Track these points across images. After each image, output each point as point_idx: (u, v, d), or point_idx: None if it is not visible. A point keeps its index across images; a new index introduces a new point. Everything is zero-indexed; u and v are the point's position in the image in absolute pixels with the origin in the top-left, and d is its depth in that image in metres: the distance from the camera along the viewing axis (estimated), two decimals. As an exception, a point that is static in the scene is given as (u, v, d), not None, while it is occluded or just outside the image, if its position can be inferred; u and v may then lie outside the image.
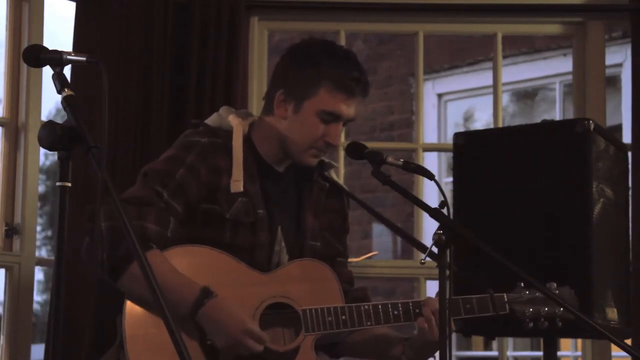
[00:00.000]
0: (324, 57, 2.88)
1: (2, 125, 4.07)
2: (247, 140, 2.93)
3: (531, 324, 2.86)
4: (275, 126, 2.91)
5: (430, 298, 2.86)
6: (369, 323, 2.82)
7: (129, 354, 2.68)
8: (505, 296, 2.89)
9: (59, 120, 2.18)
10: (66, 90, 2.14)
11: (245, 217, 2.85)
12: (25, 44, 4.03)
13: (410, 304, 2.86)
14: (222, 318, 2.68)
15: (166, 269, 2.70)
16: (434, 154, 8.54)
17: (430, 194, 3.97)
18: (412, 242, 2.97)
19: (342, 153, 4.36)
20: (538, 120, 3.58)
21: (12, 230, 4.01)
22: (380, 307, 2.83)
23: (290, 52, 2.99)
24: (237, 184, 2.84)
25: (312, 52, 2.91)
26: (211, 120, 2.98)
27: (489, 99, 4.68)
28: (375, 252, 7.99)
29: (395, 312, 2.83)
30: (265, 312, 2.79)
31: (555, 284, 2.89)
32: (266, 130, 2.93)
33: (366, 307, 2.83)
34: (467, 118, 9.56)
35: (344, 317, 2.81)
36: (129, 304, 2.73)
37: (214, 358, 2.72)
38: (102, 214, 2.71)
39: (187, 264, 2.76)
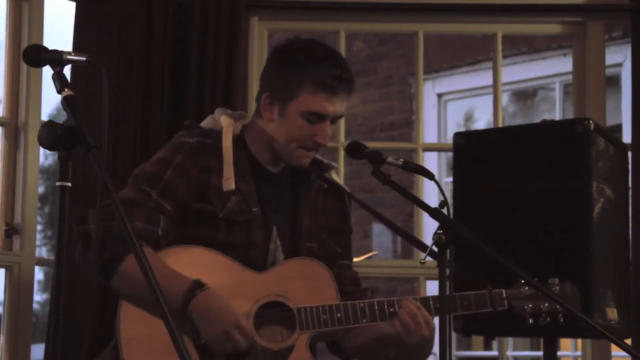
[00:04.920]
0: (304, 57, 2.87)
1: (2, 125, 4.07)
2: (240, 141, 2.94)
3: (532, 320, 2.85)
4: (264, 128, 2.92)
5: (405, 299, 2.83)
6: (364, 321, 2.82)
7: (123, 354, 2.69)
8: (503, 292, 2.87)
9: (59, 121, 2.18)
10: (66, 90, 2.14)
11: (240, 215, 2.85)
12: (25, 44, 4.03)
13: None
14: (212, 311, 2.70)
15: (155, 265, 2.70)
16: (434, 154, 8.54)
17: (430, 194, 3.97)
18: (413, 242, 2.97)
19: (342, 153, 4.37)
20: (538, 120, 3.58)
21: (12, 230, 4.01)
22: (376, 304, 2.83)
23: (272, 54, 3.00)
24: (228, 182, 2.85)
25: (292, 54, 2.91)
26: (205, 122, 3.00)
27: (489, 99, 4.69)
28: (375, 252, 7.98)
29: (392, 310, 2.82)
30: (261, 311, 2.79)
31: (557, 280, 2.89)
32: (257, 132, 2.94)
33: (362, 304, 2.82)
34: (468, 118, 9.56)
35: (339, 315, 2.80)
36: (124, 304, 2.74)
37: (207, 356, 2.72)
38: (90, 217, 2.73)
39: (181, 264, 2.76)
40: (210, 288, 2.71)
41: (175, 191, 2.83)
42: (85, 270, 2.84)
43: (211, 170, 2.86)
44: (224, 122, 2.93)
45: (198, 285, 2.70)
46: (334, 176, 3.06)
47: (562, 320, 2.84)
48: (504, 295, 2.87)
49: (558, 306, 2.80)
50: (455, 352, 8.74)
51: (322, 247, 2.99)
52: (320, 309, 2.80)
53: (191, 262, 2.78)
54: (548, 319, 2.84)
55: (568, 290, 2.89)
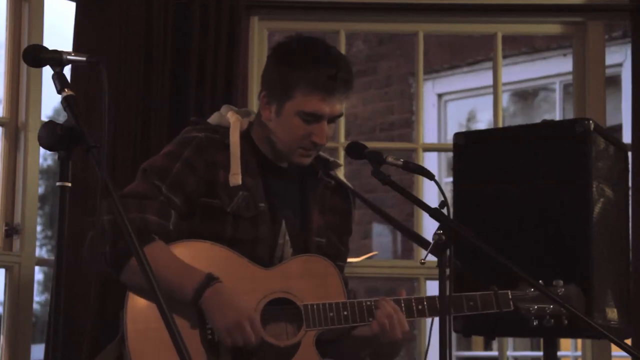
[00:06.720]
0: (300, 57, 2.86)
1: (2, 125, 4.07)
2: (247, 136, 2.94)
3: (536, 322, 2.85)
4: (266, 126, 2.92)
5: (383, 300, 2.84)
6: (370, 319, 2.82)
7: (130, 348, 2.70)
8: (509, 293, 2.88)
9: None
10: (66, 90, 2.14)
11: (246, 211, 2.86)
12: (25, 44, 4.03)
13: (413, 301, 2.86)
14: (225, 303, 2.70)
15: (168, 258, 2.74)
16: (434, 154, 8.54)
17: (430, 194, 3.97)
18: (416, 240, 2.96)
19: (342, 153, 4.37)
20: (538, 120, 3.58)
21: (12, 230, 4.01)
22: None
23: (271, 53, 3.00)
24: (235, 177, 2.85)
25: (289, 53, 2.90)
26: (211, 118, 3.01)
27: (490, 99, 4.69)
28: (375, 252, 7.98)
29: None
30: (267, 307, 2.79)
31: (561, 282, 2.89)
32: (261, 129, 2.95)
33: (368, 302, 2.83)
34: (470, 118, 9.56)
35: (345, 313, 2.81)
36: (131, 299, 2.74)
37: (214, 352, 2.73)
38: (105, 208, 2.74)
39: (188, 259, 2.77)
40: (222, 282, 2.72)
41: (184, 185, 2.84)
42: (93, 262, 2.83)
43: (219, 165, 2.87)
44: (231, 118, 2.94)
45: (211, 278, 2.71)
46: (340, 175, 3.07)
47: (566, 322, 2.84)
48: (510, 297, 2.87)
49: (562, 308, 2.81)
50: (455, 352, 8.74)
51: (329, 243, 3.01)
52: (327, 306, 2.80)
53: (198, 257, 2.79)
54: (552, 320, 2.85)
55: (572, 292, 2.89)
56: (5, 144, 4.06)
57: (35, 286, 4.49)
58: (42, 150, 3.66)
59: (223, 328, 2.70)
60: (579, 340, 5.98)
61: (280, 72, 2.88)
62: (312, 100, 2.84)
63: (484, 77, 8.26)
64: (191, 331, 2.71)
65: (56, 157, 2.16)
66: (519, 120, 9.22)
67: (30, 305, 4.06)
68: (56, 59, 2.18)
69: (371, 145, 3.04)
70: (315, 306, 2.80)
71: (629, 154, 3.87)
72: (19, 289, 4.00)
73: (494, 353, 8.69)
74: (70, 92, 2.14)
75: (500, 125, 4.39)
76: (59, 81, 2.16)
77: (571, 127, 3.30)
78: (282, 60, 2.89)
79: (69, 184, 2.15)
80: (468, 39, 7.99)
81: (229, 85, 4.14)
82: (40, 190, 7.59)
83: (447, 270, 2.53)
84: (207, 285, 2.70)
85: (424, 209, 2.70)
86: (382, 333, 2.80)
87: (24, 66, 4.04)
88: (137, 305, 2.73)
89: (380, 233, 8.84)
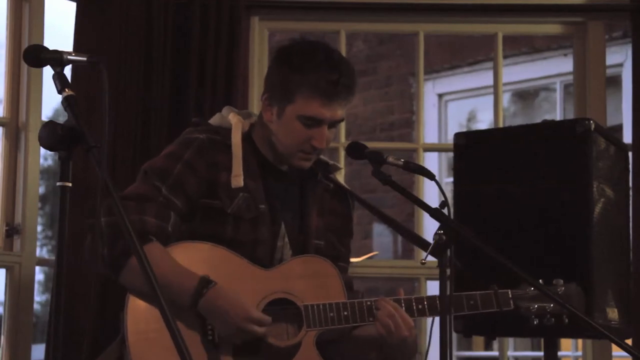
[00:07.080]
0: (302, 61, 2.85)
1: (2, 125, 4.07)
2: (248, 138, 2.94)
3: (537, 321, 2.85)
4: (267, 127, 2.92)
5: (382, 300, 2.83)
6: (370, 319, 2.82)
7: (131, 348, 2.70)
8: (509, 292, 2.88)
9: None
10: (67, 90, 2.14)
11: (247, 212, 2.86)
12: (25, 44, 4.03)
13: (413, 300, 2.86)
14: (223, 306, 2.70)
15: (165, 262, 2.73)
16: (434, 154, 8.54)
17: (430, 194, 3.97)
18: (416, 242, 2.96)
19: (342, 153, 4.37)
20: (539, 120, 3.58)
21: (12, 230, 4.01)
22: None
23: (274, 55, 2.98)
24: (237, 179, 2.85)
25: (291, 56, 2.89)
26: (213, 119, 3.01)
27: (490, 99, 4.69)
28: (375, 252, 7.99)
29: None
30: (268, 308, 2.79)
31: (562, 281, 2.89)
32: (263, 130, 2.95)
33: (368, 303, 2.83)
34: (471, 118, 9.57)
35: (345, 313, 2.81)
36: (131, 299, 2.74)
37: (214, 351, 2.74)
38: (102, 210, 2.74)
39: (188, 260, 2.77)
40: (216, 285, 2.71)
41: (184, 186, 2.84)
42: (93, 262, 2.83)
43: (220, 166, 2.87)
44: (232, 119, 2.94)
45: (206, 282, 2.71)
46: (339, 178, 3.07)
47: (566, 321, 2.84)
48: (510, 296, 2.87)
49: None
50: (456, 352, 8.74)
51: (328, 245, 3.01)
52: (327, 306, 2.80)
53: (198, 258, 2.79)
54: (553, 319, 2.85)
55: (573, 291, 2.89)
56: (5, 144, 4.06)
57: (36, 286, 4.48)
58: (42, 150, 3.66)
59: (227, 334, 2.72)
60: (580, 340, 5.98)
61: (281, 75, 2.88)
62: (312, 105, 2.83)
63: (484, 77, 8.26)
64: (191, 332, 2.71)
65: (56, 157, 2.16)
66: (519, 121, 9.22)
67: (30, 306, 4.06)
68: (56, 59, 2.18)
69: (371, 145, 3.03)
70: (315, 306, 2.80)
71: (630, 154, 3.88)
72: (19, 289, 4.00)
73: (495, 353, 8.69)
74: (70, 92, 2.14)
75: (501, 125, 4.40)
76: (60, 81, 2.16)
77: (572, 127, 3.30)
78: (284, 63, 2.89)
79: (70, 184, 2.15)
80: (468, 39, 7.99)
81: (229, 85, 4.14)
82: (41, 190, 7.60)
83: (448, 270, 2.53)
84: (201, 293, 2.70)
85: (424, 209, 2.70)
86: (389, 334, 2.80)
87: (24, 66, 4.05)
88: (138, 305, 2.73)
89: (381, 233, 8.84)
